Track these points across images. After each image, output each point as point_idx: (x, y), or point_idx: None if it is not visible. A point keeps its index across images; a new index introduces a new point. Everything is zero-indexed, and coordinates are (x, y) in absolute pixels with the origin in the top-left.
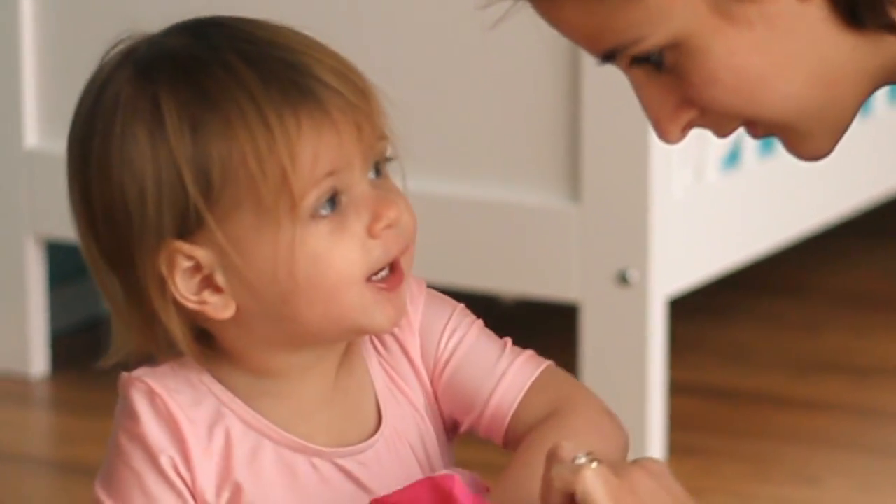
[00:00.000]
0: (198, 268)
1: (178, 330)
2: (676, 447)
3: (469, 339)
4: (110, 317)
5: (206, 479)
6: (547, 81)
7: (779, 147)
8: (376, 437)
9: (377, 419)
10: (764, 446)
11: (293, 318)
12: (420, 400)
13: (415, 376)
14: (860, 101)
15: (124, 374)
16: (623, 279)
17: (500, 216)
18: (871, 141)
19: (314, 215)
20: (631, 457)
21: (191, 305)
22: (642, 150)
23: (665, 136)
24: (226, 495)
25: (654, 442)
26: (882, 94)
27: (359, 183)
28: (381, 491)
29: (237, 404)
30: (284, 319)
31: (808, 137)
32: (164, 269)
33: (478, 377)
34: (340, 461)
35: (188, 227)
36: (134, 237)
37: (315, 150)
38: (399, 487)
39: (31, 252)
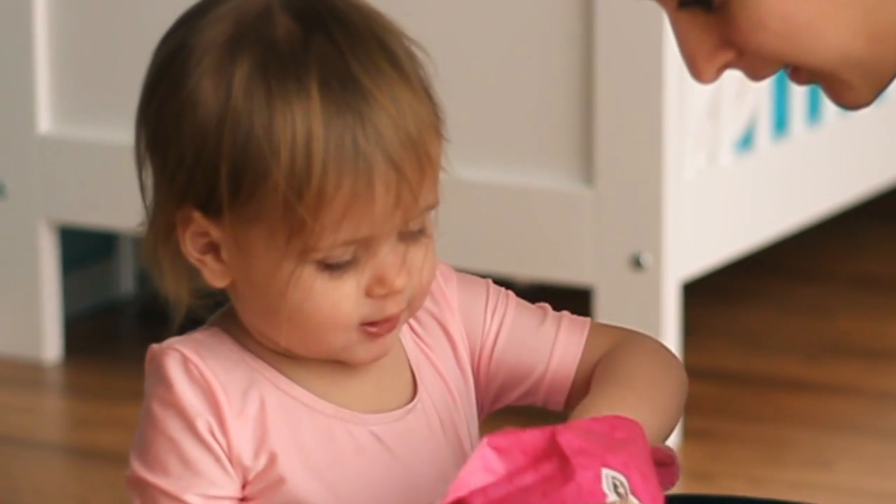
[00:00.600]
0: (207, 235)
1: (169, 264)
2: (690, 431)
3: (511, 312)
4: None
5: (243, 443)
6: (560, 65)
7: (792, 130)
8: (413, 403)
9: (413, 388)
10: (777, 430)
11: (275, 328)
12: (453, 377)
13: (452, 354)
14: None
15: (154, 346)
16: (637, 263)
17: (513, 199)
18: (884, 124)
19: (322, 265)
20: None
21: (191, 259)
22: (655, 133)
23: (699, 76)
24: (262, 460)
25: None
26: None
27: (381, 247)
28: (415, 462)
29: (270, 372)
30: (268, 324)
31: (850, 87)
32: (177, 222)
33: (530, 346)
34: (377, 428)
35: (209, 207)
36: (165, 170)
37: (342, 216)
38: (430, 460)
39: (44, 236)
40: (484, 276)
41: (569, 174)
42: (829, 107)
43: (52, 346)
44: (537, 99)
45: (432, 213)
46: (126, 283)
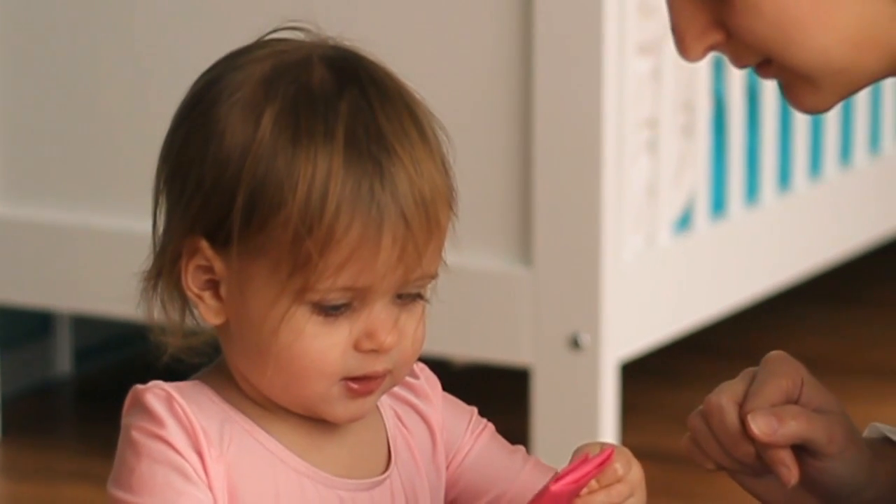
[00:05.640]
0: (210, 270)
1: (166, 299)
2: None
3: (487, 435)
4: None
5: (218, 487)
6: (498, 145)
7: (730, 211)
8: (384, 476)
9: (387, 463)
10: None
11: (261, 370)
12: (427, 466)
13: (431, 446)
14: (879, 75)
15: (138, 386)
16: (575, 343)
17: (451, 280)
18: (822, 206)
19: (317, 307)
20: None
21: (189, 294)
22: (594, 214)
23: (686, 54)
24: None
25: None
26: (834, 158)
27: (378, 300)
28: None
29: (249, 424)
30: (254, 366)
31: (817, 91)
32: (183, 252)
33: (498, 466)
34: (345, 494)
35: (217, 236)
36: (182, 197)
37: (346, 260)
38: None
39: None
40: (422, 356)
41: (507, 255)
42: (766, 187)
43: None
44: (476, 180)
45: (430, 284)
46: (63, 362)
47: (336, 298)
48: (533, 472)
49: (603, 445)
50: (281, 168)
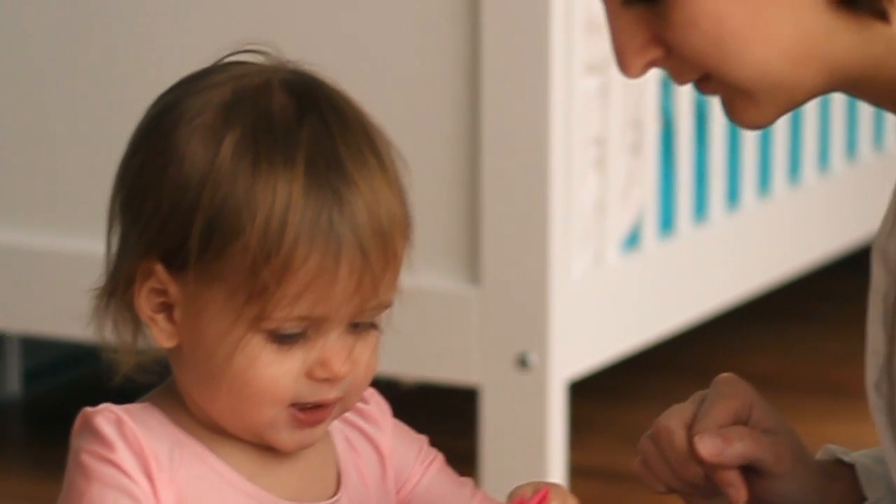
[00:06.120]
0: (165, 293)
1: (118, 320)
2: None
3: (438, 465)
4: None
5: None
6: (445, 164)
7: (678, 229)
8: (336, 497)
9: (336, 487)
10: None
11: (212, 395)
12: (377, 490)
13: (380, 469)
14: (818, 90)
15: (87, 409)
16: (523, 362)
17: (399, 300)
18: (771, 223)
19: (272, 335)
20: None
21: (142, 316)
22: (541, 233)
23: (627, 70)
24: None
25: None
26: (783, 176)
27: (333, 330)
28: None
29: (198, 447)
30: (205, 391)
31: (757, 106)
32: (137, 275)
33: (448, 496)
34: None
35: (174, 261)
36: (139, 221)
37: (303, 290)
38: None
39: None
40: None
41: (455, 274)
42: (715, 205)
43: None
44: (423, 199)
45: (384, 312)
46: (12, 383)
47: (291, 327)
48: (484, 499)
49: (537, 486)
50: (240, 195)
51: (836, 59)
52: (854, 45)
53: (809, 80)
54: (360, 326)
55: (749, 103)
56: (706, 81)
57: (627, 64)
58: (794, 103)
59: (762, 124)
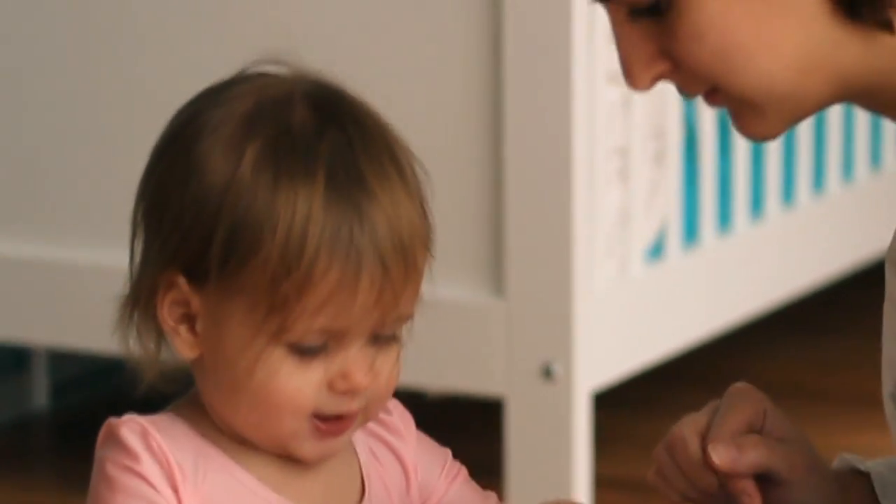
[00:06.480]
0: (186, 304)
1: (142, 331)
2: None
3: (462, 479)
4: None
5: None
6: (469, 177)
7: (702, 239)
8: None
9: (360, 497)
10: None
11: (234, 406)
12: (401, 501)
13: (405, 482)
14: (825, 101)
15: (112, 419)
16: (547, 373)
17: (424, 311)
18: (795, 234)
19: (293, 348)
20: None
21: (165, 326)
22: (565, 244)
23: (634, 83)
24: None
25: None
26: (807, 185)
27: (354, 342)
28: None
29: (223, 458)
30: (228, 402)
31: (764, 118)
32: (159, 287)
33: None
34: None
35: (195, 273)
36: (160, 232)
37: (324, 303)
38: None
39: None
40: (395, 388)
41: (479, 285)
42: (739, 215)
43: None
44: (447, 211)
45: (406, 325)
46: (40, 396)
47: (312, 340)
48: None
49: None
50: (261, 208)
51: (842, 69)
52: (860, 55)
53: (816, 91)
54: (382, 339)
55: (757, 115)
56: (714, 94)
57: (635, 77)
58: (801, 115)
59: (770, 136)
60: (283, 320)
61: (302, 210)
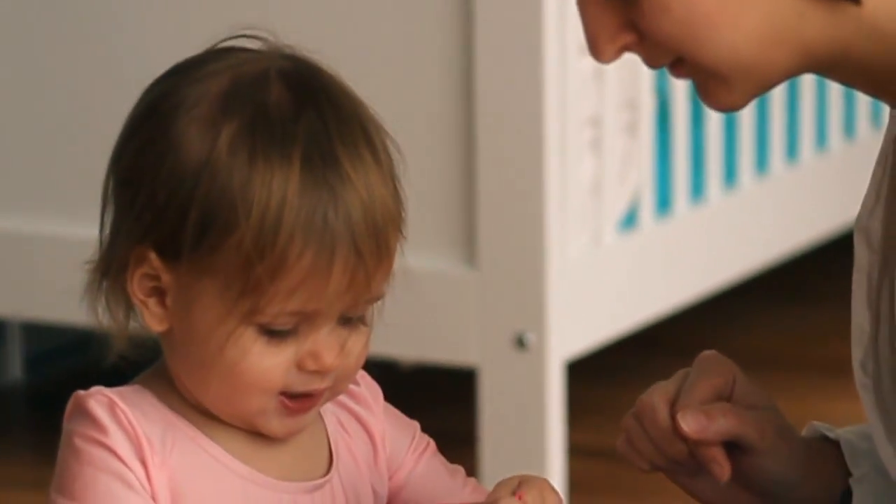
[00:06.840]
0: (157, 279)
1: (110, 302)
2: None
3: (430, 453)
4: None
5: (162, 494)
6: (441, 146)
7: (675, 208)
8: (325, 479)
9: (328, 466)
10: None
11: (202, 382)
12: (369, 471)
13: (372, 452)
14: (791, 72)
15: (79, 392)
16: (520, 343)
17: (396, 281)
18: (767, 202)
19: (264, 329)
20: None
21: (134, 299)
22: (538, 214)
23: (599, 56)
24: None
25: None
26: (780, 154)
27: (325, 324)
28: None
29: (191, 430)
30: (196, 377)
31: (729, 89)
32: (130, 260)
33: (440, 484)
34: (287, 497)
35: (167, 250)
36: (134, 207)
37: (297, 286)
38: None
39: None
40: (368, 358)
41: (452, 255)
42: (712, 185)
43: None
44: (419, 181)
45: (375, 303)
46: (14, 369)
47: (284, 322)
48: (472, 494)
49: (522, 479)
50: (236, 190)
51: (807, 41)
52: (825, 26)
53: (781, 62)
54: (352, 319)
55: (722, 86)
56: (679, 65)
57: (600, 50)
58: (766, 85)
59: (736, 107)
60: (256, 302)
61: (277, 194)
